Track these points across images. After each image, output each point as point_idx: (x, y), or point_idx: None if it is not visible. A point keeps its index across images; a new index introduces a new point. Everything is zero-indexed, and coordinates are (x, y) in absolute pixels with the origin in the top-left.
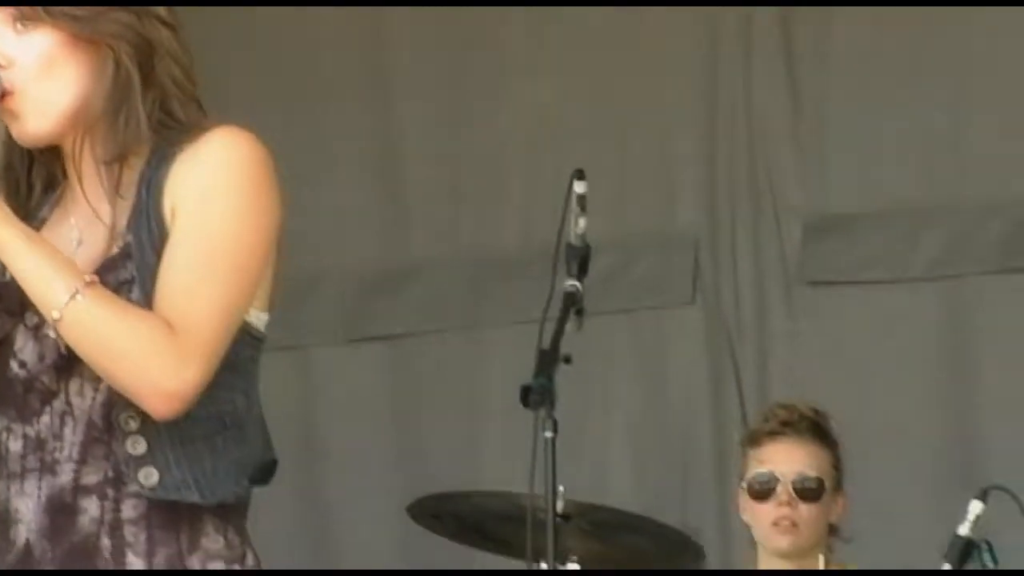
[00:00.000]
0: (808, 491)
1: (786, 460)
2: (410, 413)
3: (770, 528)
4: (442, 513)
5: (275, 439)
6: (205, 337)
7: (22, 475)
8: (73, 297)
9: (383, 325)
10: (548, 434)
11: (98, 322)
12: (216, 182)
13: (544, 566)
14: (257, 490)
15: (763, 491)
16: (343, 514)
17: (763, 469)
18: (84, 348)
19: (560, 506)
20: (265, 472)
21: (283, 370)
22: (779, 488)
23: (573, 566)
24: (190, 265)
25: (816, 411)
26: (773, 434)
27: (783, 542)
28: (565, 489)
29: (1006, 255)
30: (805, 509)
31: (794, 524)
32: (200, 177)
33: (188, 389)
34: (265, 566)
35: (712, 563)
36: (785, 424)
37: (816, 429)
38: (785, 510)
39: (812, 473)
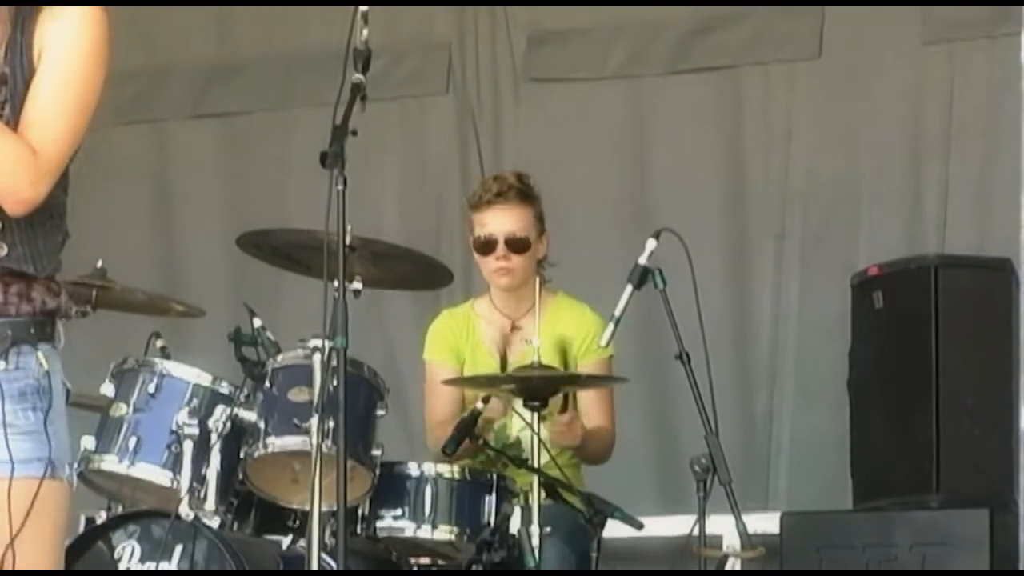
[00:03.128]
0: (518, 244)
1: (500, 223)
2: (239, 172)
3: (492, 273)
4: (262, 244)
5: (137, 191)
6: (56, 159)
7: None
8: None
9: (219, 105)
10: (339, 187)
11: None
12: (74, 39)
13: (335, 284)
14: (122, 229)
15: (485, 247)
16: (189, 246)
17: (484, 231)
18: None
19: (348, 240)
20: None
21: (144, 139)
22: (497, 245)
23: (357, 285)
24: (51, 103)
25: (519, 177)
26: (489, 203)
27: (502, 283)
28: (352, 227)
29: (674, 60)
30: (517, 258)
31: (509, 270)
32: (64, 33)
33: (39, 198)
34: (131, 283)
35: (458, 281)
36: (498, 194)
37: (521, 194)
38: (503, 262)
39: (520, 232)
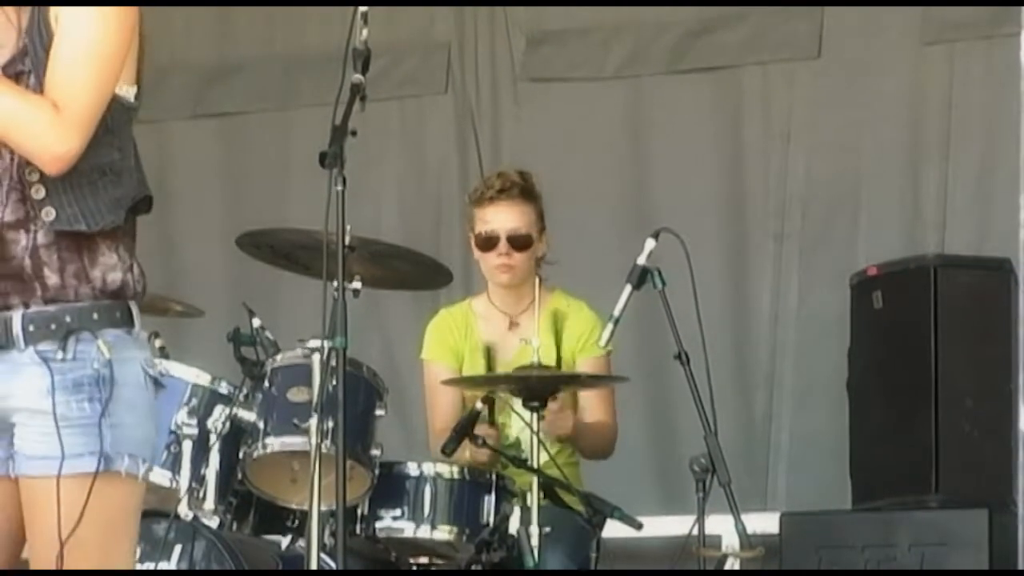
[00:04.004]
0: (520, 241)
1: (503, 220)
2: (239, 172)
3: (494, 269)
4: (261, 244)
5: None
6: (81, 113)
7: None
8: None
9: (218, 105)
10: (338, 188)
11: (5, 105)
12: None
13: (335, 284)
14: None
15: (487, 244)
16: (188, 246)
17: (486, 228)
18: None
19: (347, 239)
20: (143, 204)
21: (143, 139)
22: (499, 242)
23: (356, 285)
24: (69, 59)
25: (522, 175)
26: (492, 199)
27: (503, 279)
28: (351, 227)
29: (673, 61)
30: (519, 256)
31: (511, 267)
32: None
33: (71, 153)
34: None
35: (457, 281)
36: (501, 191)
37: (524, 191)
38: (504, 258)
39: (523, 229)
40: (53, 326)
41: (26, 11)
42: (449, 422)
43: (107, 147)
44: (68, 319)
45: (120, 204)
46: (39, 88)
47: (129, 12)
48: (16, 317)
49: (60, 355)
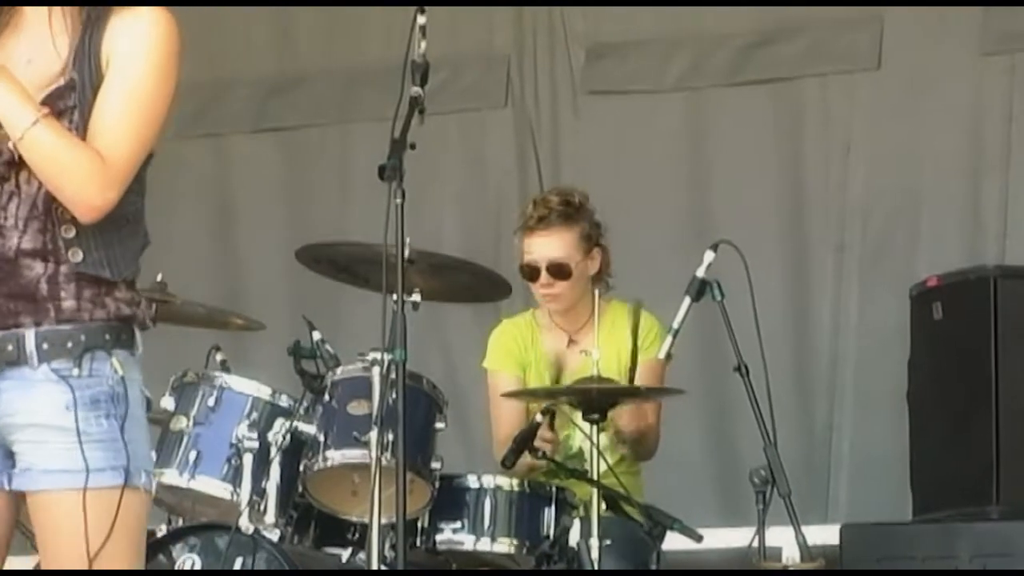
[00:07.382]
0: (559, 271)
1: (542, 250)
2: (299, 184)
3: (541, 298)
4: (321, 257)
5: (198, 205)
6: (124, 166)
7: None
8: (34, 124)
9: (279, 119)
10: (398, 200)
11: (49, 147)
12: (143, 48)
13: (394, 296)
14: (182, 243)
15: (530, 274)
16: (249, 259)
17: (527, 259)
18: (36, 162)
19: (407, 252)
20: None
21: (205, 153)
22: (540, 273)
23: (416, 297)
24: (119, 109)
25: (562, 197)
26: (532, 229)
27: (550, 308)
28: (411, 240)
29: (733, 73)
30: (561, 284)
31: (555, 296)
32: (132, 41)
33: (108, 205)
34: (191, 296)
35: (516, 294)
36: (540, 219)
37: (563, 216)
38: (547, 288)
39: (562, 258)
40: (69, 344)
41: (73, 42)
42: (513, 431)
43: (133, 193)
44: (83, 338)
45: (139, 251)
46: (82, 126)
47: (178, 60)
48: (29, 335)
49: (76, 372)
